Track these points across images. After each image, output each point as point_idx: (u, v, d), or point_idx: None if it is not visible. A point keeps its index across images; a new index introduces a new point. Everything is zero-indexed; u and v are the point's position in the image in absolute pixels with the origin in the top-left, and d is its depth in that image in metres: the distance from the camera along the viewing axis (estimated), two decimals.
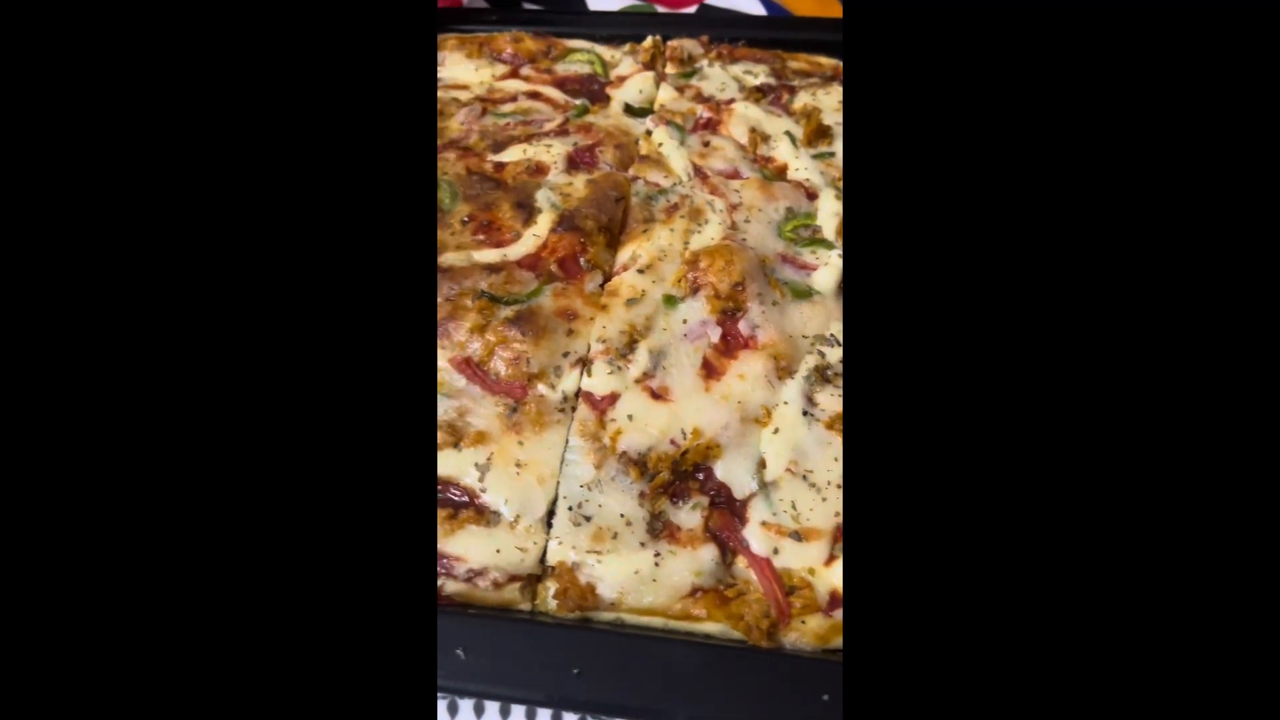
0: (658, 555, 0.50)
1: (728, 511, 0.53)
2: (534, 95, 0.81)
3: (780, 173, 0.72)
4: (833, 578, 0.50)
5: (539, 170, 0.72)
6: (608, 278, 0.64)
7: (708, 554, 0.50)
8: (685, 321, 0.60)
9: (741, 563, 0.51)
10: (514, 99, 0.81)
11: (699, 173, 0.71)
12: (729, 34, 0.86)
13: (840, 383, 0.57)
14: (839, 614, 0.48)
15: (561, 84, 0.83)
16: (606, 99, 0.80)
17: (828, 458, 0.54)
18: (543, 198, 0.69)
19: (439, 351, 0.59)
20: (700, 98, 0.79)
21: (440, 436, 0.55)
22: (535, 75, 0.83)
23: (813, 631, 0.48)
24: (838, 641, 0.48)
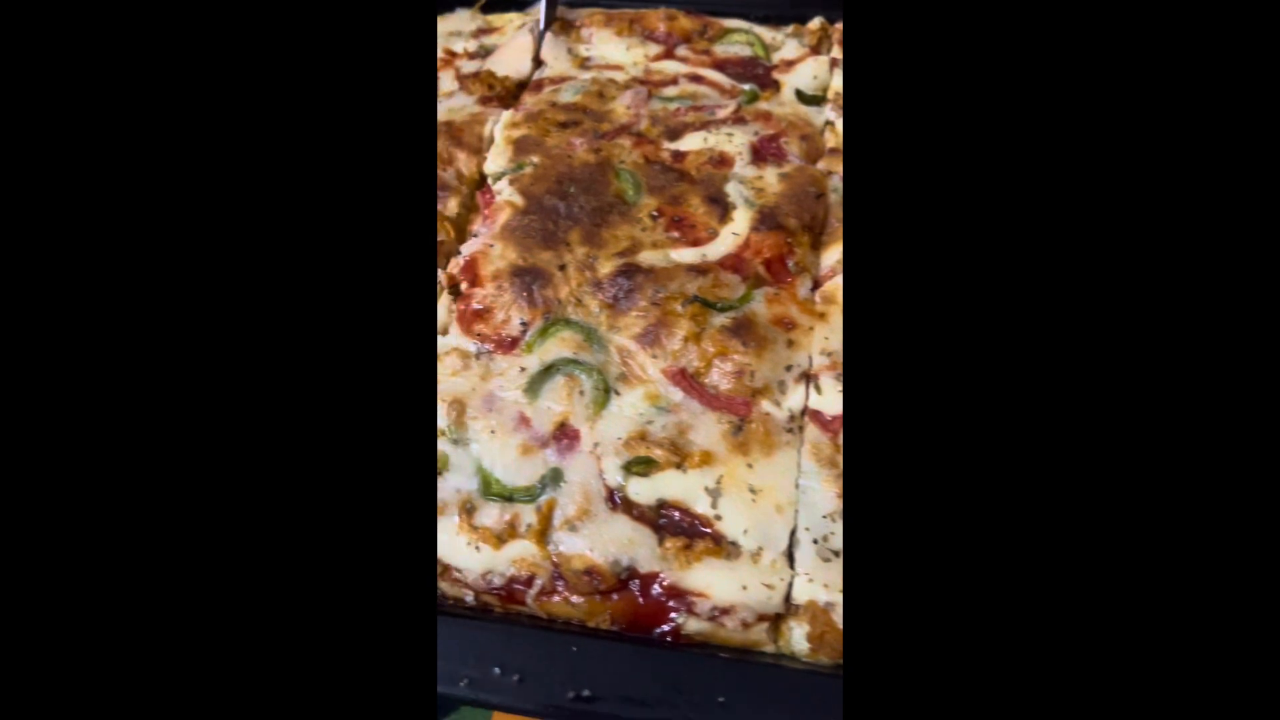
0: None
1: None
2: (695, 79, 0.76)
3: None
4: None
5: (723, 162, 0.66)
6: (816, 283, 0.59)
7: None
8: None
9: None
10: (675, 82, 0.75)
11: None
12: None
13: None
14: None
15: (721, 66, 0.77)
16: (775, 84, 0.75)
17: None
18: (734, 192, 0.64)
19: (650, 361, 0.55)
20: None
21: (661, 454, 0.51)
22: (693, 56, 0.78)
23: None
24: None
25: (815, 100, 0.74)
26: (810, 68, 0.75)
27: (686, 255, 0.60)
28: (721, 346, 0.54)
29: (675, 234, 0.61)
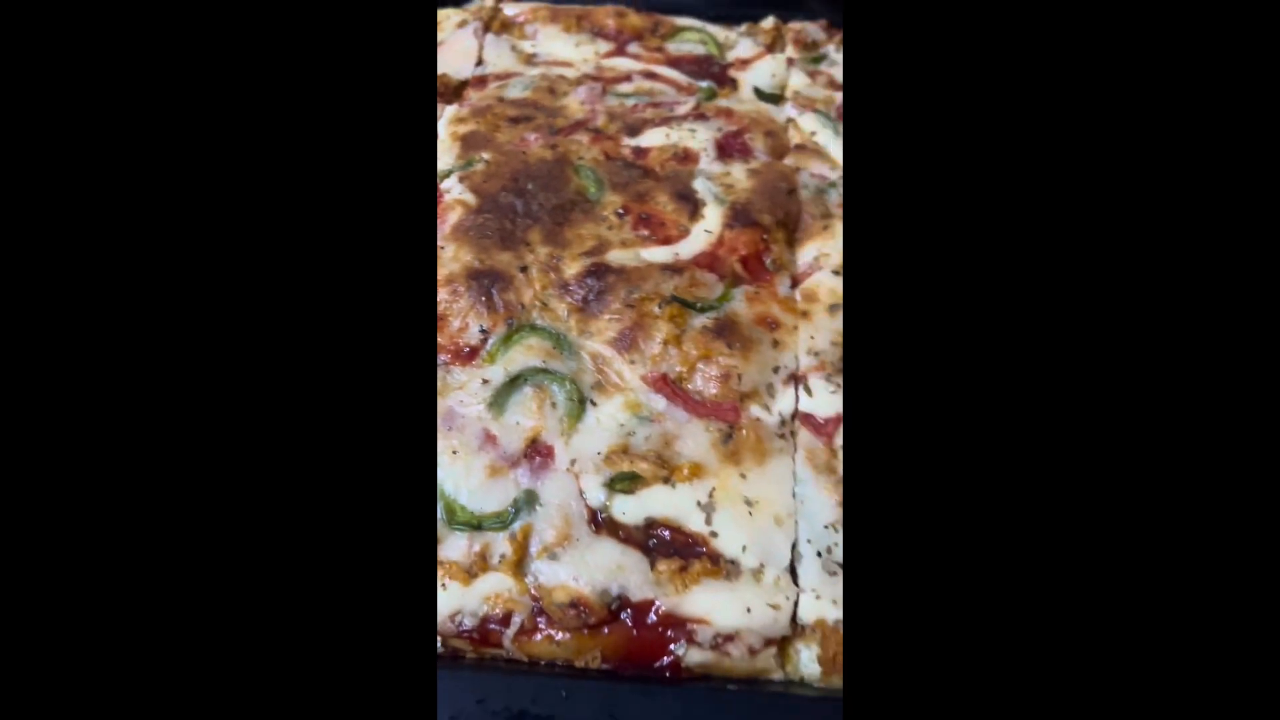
0: None
1: None
2: (650, 75, 0.73)
3: None
4: None
5: (688, 158, 0.63)
6: (795, 281, 0.57)
7: None
8: None
9: None
10: (629, 79, 0.72)
11: None
12: (839, 18, 0.80)
13: None
14: None
15: (676, 64, 0.74)
16: (732, 82, 0.73)
17: None
18: (703, 188, 0.60)
19: (628, 367, 0.50)
20: (834, 85, 0.73)
21: (646, 468, 0.46)
22: (646, 54, 0.75)
23: None
24: None
25: (775, 98, 0.72)
26: (768, 66, 0.74)
27: (659, 254, 0.56)
28: (705, 349, 0.50)
29: (644, 232, 0.57)
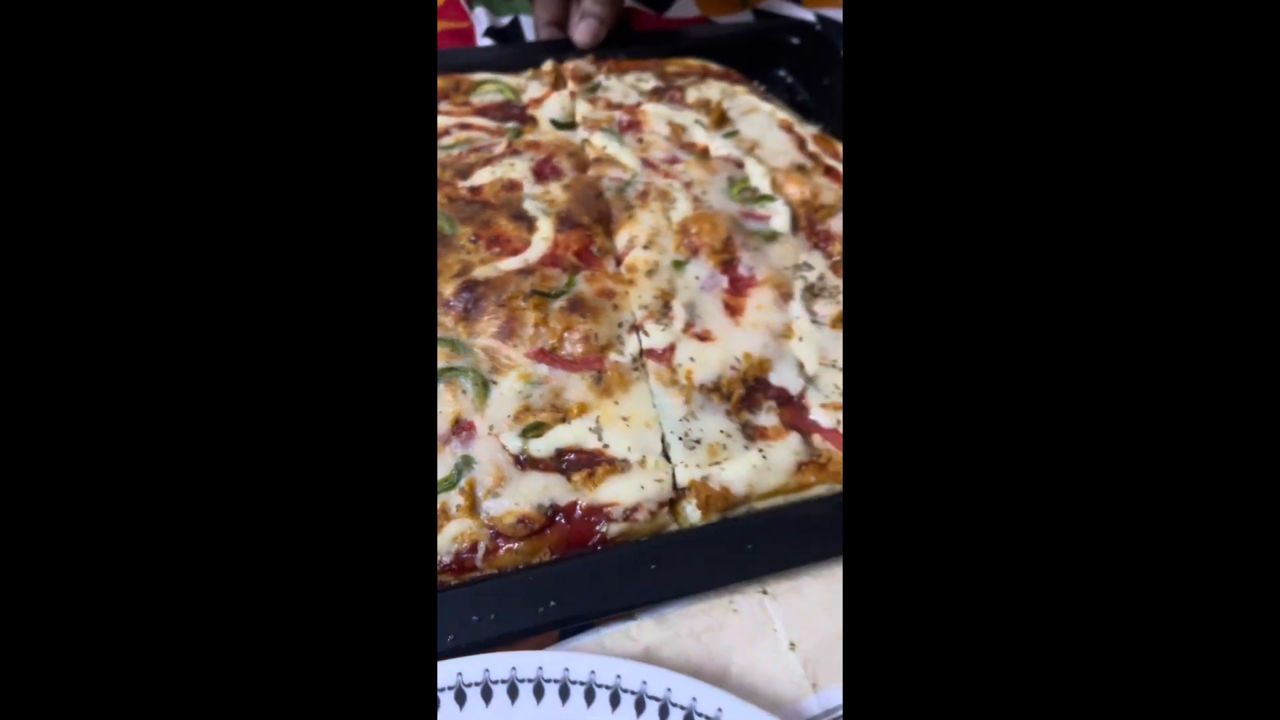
0: (761, 451, 0.62)
1: (793, 406, 0.66)
2: (465, 127, 0.87)
3: (705, 153, 0.87)
4: None
5: (514, 187, 0.79)
6: (619, 260, 0.74)
7: (794, 439, 0.64)
8: (697, 278, 0.73)
9: (818, 438, 0.65)
10: (448, 133, 0.86)
11: (647, 164, 0.83)
12: (605, 52, 0.99)
13: (826, 294, 0.74)
14: None
15: (484, 113, 0.90)
16: (532, 120, 0.89)
17: (840, 346, 0.70)
18: (532, 206, 0.76)
19: (513, 351, 0.66)
20: (611, 105, 0.91)
21: (546, 416, 0.62)
22: (456, 110, 0.90)
23: None
24: None
25: (569, 125, 0.89)
26: (556, 102, 0.91)
27: (512, 263, 0.72)
28: (566, 323, 0.67)
29: (497, 249, 0.73)
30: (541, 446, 0.61)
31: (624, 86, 0.94)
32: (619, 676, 0.50)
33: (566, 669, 0.50)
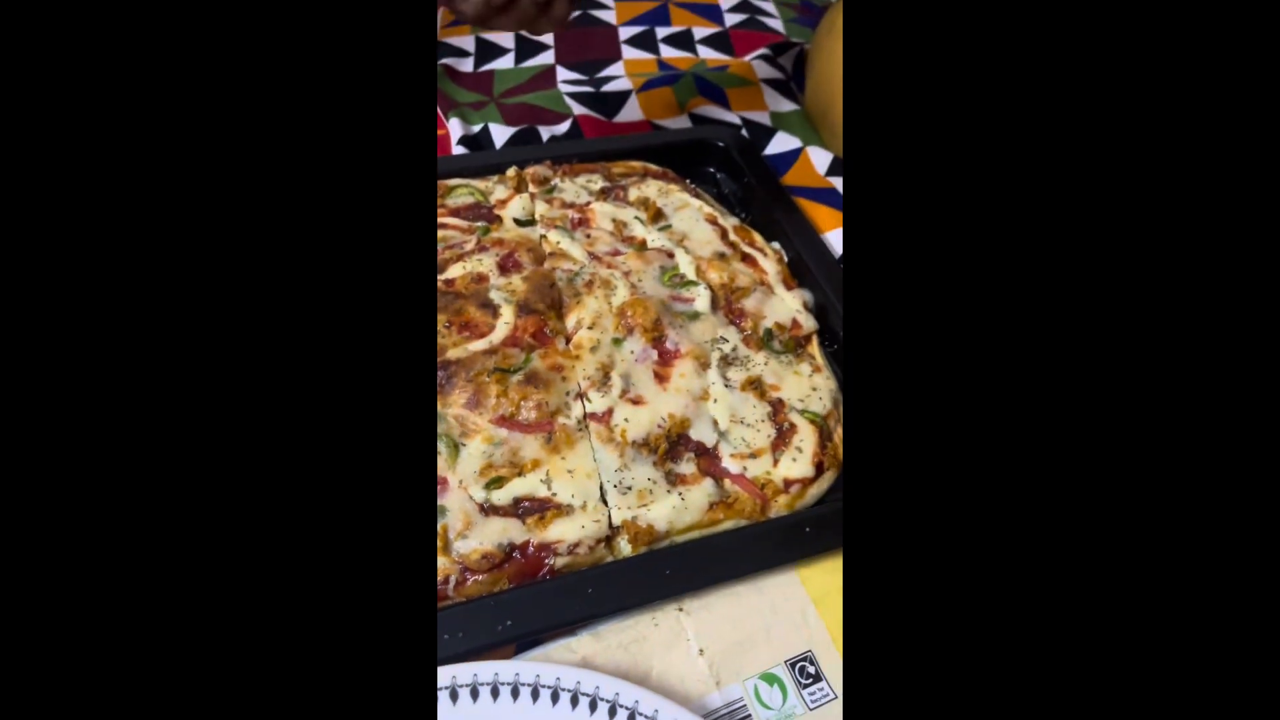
0: (681, 494, 0.77)
1: (708, 457, 0.81)
2: (442, 226, 1.04)
3: (643, 245, 1.03)
4: (780, 473, 0.80)
5: (482, 279, 0.95)
6: (568, 339, 0.90)
7: (708, 484, 0.78)
8: (632, 352, 0.88)
9: (727, 482, 0.79)
10: None
11: (594, 256, 1.00)
12: (554, 156, 1.16)
13: (738, 363, 0.89)
14: (795, 489, 0.79)
15: (457, 213, 1.06)
16: (498, 219, 1.06)
17: (749, 406, 0.85)
18: (497, 296, 0.92)
19: (479, 418, 0.80)
20: (565, 204, 1.08)
21: (506, 471, 0.76)
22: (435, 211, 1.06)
23: (784, 505, 0.78)
24: (800, 506, 0.78)
25: (529, 223, 1.06)
26: (519, 203, 1.07)
27: (479, 345, 0.87)
28: (523, 394, 0.82)
29: (466, 333, 0.88)
30: (502, 496, 0.75)
31: (576, 187, 1.11)
32: (558, 678, 0.63)
33: (517, 673, 0.63)
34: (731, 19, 1.63)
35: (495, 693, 0.63)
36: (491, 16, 0.87)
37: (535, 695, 0.63)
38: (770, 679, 0.67)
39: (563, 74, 1.41)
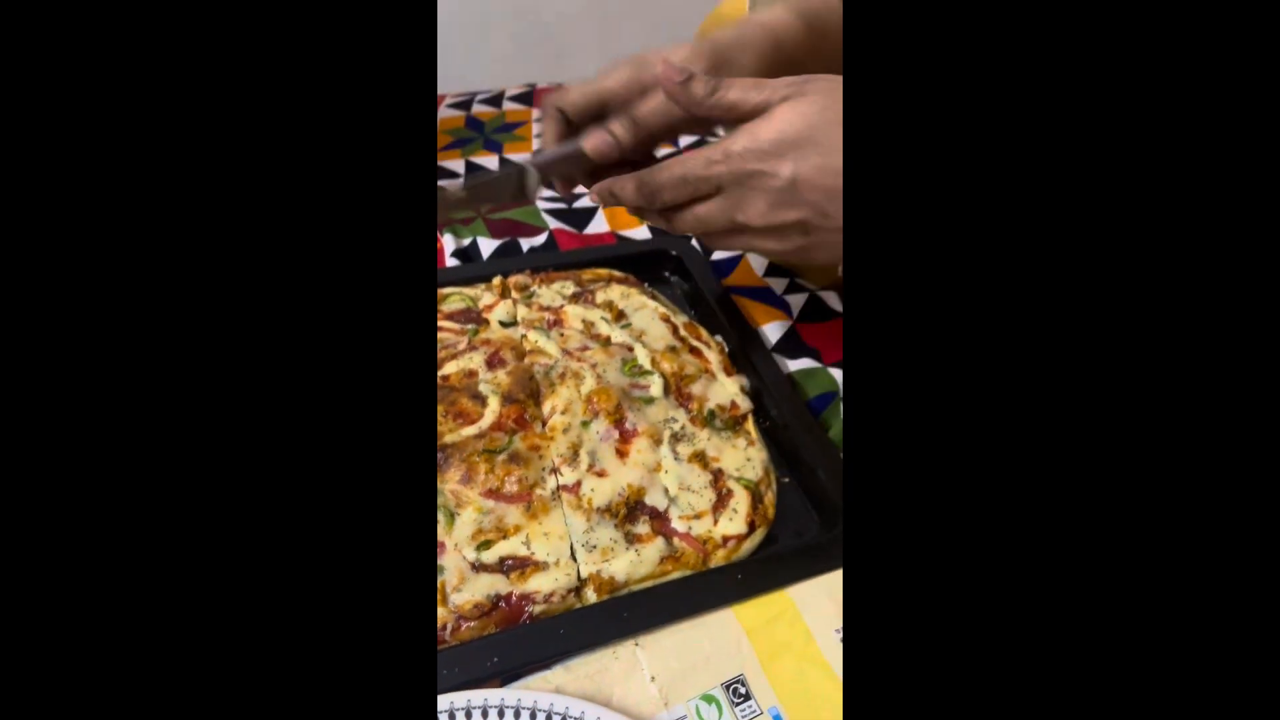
0: (637, 550, 0.93)
1: (660, 519, 0.98)
2: (439, 330, 1.23)
3: (607, 341, 1.23)
4: (719, 530, 0.97)
5: (472, 374, 1.13)
6: (544, 423, 1.07)
7: (660, 542, 0.94)
8: (598, 433, 1.06)
9: (676, 540, 0.96)
10: None
11: (566, 352, 1.19)
12: (533, 265, 1.38)
13: (685, 439, 1.07)
14: (731, 544, 0.95)
15: (451, 317, 1.26)
16: (486, 321, 1.25)
17: (694, 476, 1.02)
18: (485, 388, 1.10)
19: (470, 491, 0.97)
20: (542, 308, 1.28)
21: (494, 535, 0.92)
22: None
23: (722, 557, 0.94)
24: (735, 558, 0.95)
25: (512, 325, 1.25)
26: (503, 308, 1.27)
27: (471, 430, 1.04)
28: (506, 470, 0.99)
29: (460, 421, 1.06)
30: (489, 556, 0.91)
31: (551, 292, 1.32)
32: (536, 702, 0.78)
33: (502, 699, 0.78)
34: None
35: (485, 714, 0.77)
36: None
37: (518, 715, 0.77)
38: (709, 699, 0.82)
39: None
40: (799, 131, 0.54)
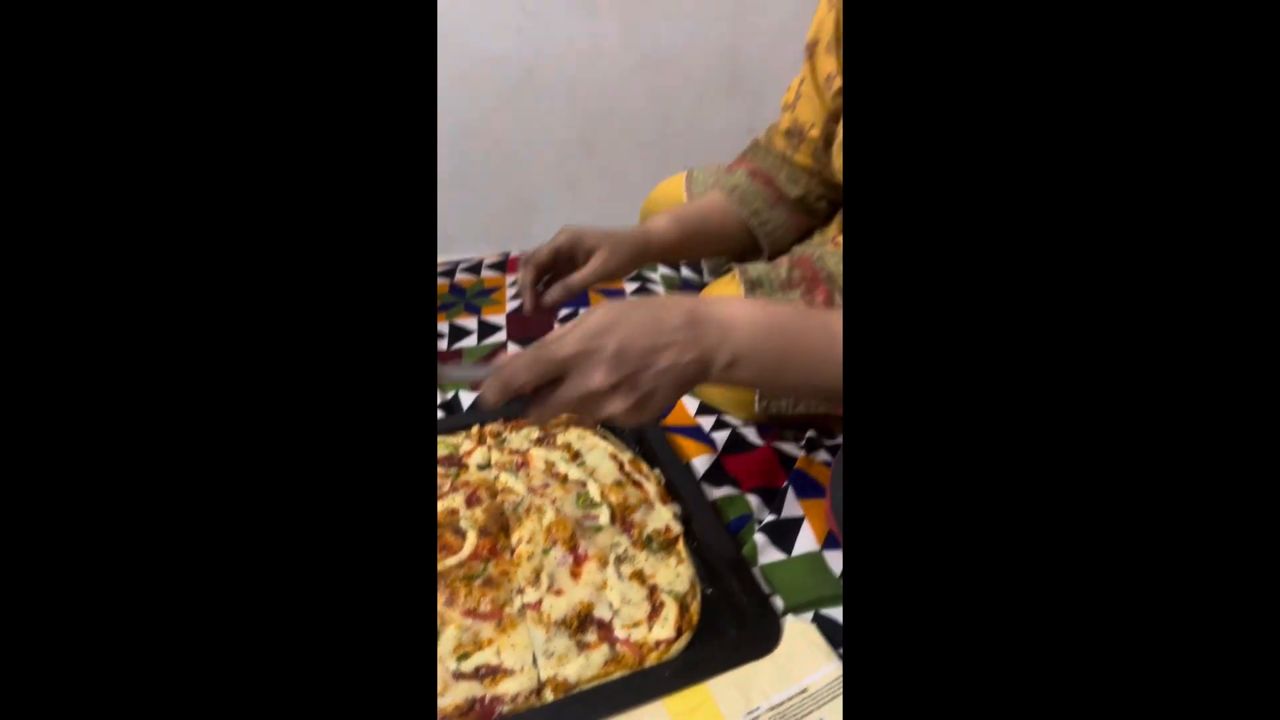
0: (587, 656, 1.15)
1: (606, 629, 1.21)
2: None
3: (565, 478, 1.49)
4: (653, 636, 1.20)
5: (454, 513, 1.38)
6: (512, 551, 1.32)
7: (605, 648, 1.17)
8: (556, 558, 1.30)
9: (618, 646, 1.19)
10: None
11: (531, 490, 1.45)
12: (505, 415, 1.66)
13: (628, 560, 1.32)
14: (662, 647, 1.18)
15: (438, 463, 1.52)
16: (465, 465, 1.52)
17: (634, 591, 1.26)
18: (464, 524, 1.35)
19: (453, 611, 1.19)
20: (512, 451, 1.55)
21: (471, 648, 1.15)
22: None
23: (655, 658, 1.17)
24: (666, 658, 1.17)
25: (486, 467, 1.52)
26: (480, 453, 1.53)
27: (453, 560, 1.28)
28: (482, 593, 1.22)
29: (444, 552, 1.30)
30: (467, 665, 1.13)
31: (520, 437, 1.59)
32: None
33: None
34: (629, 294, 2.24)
35: None
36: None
37: None
38: None
39: (511, 347, 1.95)
40: (612, 318, 0.83)
